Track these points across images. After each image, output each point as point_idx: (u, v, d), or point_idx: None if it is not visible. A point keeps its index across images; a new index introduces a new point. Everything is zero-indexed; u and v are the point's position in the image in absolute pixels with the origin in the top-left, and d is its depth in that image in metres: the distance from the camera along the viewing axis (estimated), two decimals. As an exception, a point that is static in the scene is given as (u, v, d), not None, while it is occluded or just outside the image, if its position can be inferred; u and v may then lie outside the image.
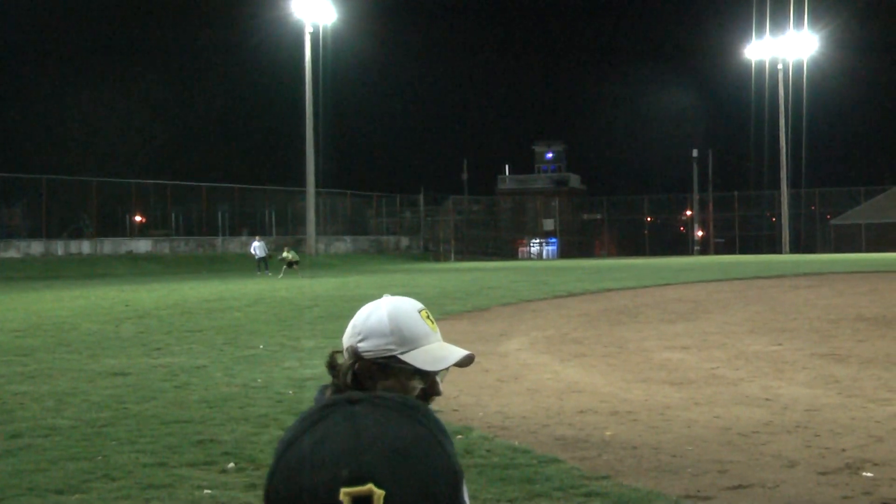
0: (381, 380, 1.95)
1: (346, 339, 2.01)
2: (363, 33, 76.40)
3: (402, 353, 1.95)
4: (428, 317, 2.02)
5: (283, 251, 43.38)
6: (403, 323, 1.97)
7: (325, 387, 2.01)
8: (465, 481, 1.32)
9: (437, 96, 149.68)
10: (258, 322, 18.40)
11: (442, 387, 2.02)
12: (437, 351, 1.98)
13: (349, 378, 1.94)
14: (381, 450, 1.21)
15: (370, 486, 1.17)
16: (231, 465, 6.93)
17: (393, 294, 2.08)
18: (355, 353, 1.95)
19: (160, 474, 6.68)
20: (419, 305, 2.04)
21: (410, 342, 1.96)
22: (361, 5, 71.60)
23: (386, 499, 1.17)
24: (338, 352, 2.07)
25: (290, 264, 41.91)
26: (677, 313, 19.54)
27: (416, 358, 1.95)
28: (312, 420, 1.27)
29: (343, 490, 1.17)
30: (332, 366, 2.02)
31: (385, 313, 1.98)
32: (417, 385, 1.95)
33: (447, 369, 2.01)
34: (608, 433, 8.04)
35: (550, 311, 20.78)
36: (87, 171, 62.16)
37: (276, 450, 1.29)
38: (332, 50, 66.06)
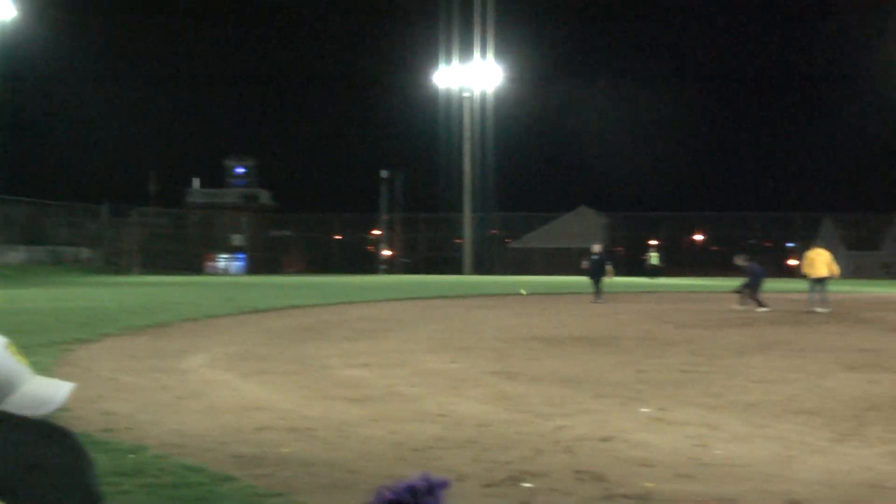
0: None
1: None
2: (46, 31, 72.44)
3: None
4: (17, 351, 1.61)
5: None
6: None
7: None
8: None
9: (126, 102, 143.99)
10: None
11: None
12: (39, 391, 1.58)
13: None
14: (18, 464, 1.22)
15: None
16: None
17: None
18: None
19: None
20: (3, 340, 1.61)
21: (6, 389, 1.54)
22: (44, 2, 68.00)
23: None
24: None
25: None
26: (360, 331, 19.86)
27: (20, 405, 1.53)
28: None
29: None
30: None
31: None
32: None
33: None
34: (285, 450, 8.04)
35: (235, 327, 20.53)
36: None
37: None
38: (12, 48, 62.39)
